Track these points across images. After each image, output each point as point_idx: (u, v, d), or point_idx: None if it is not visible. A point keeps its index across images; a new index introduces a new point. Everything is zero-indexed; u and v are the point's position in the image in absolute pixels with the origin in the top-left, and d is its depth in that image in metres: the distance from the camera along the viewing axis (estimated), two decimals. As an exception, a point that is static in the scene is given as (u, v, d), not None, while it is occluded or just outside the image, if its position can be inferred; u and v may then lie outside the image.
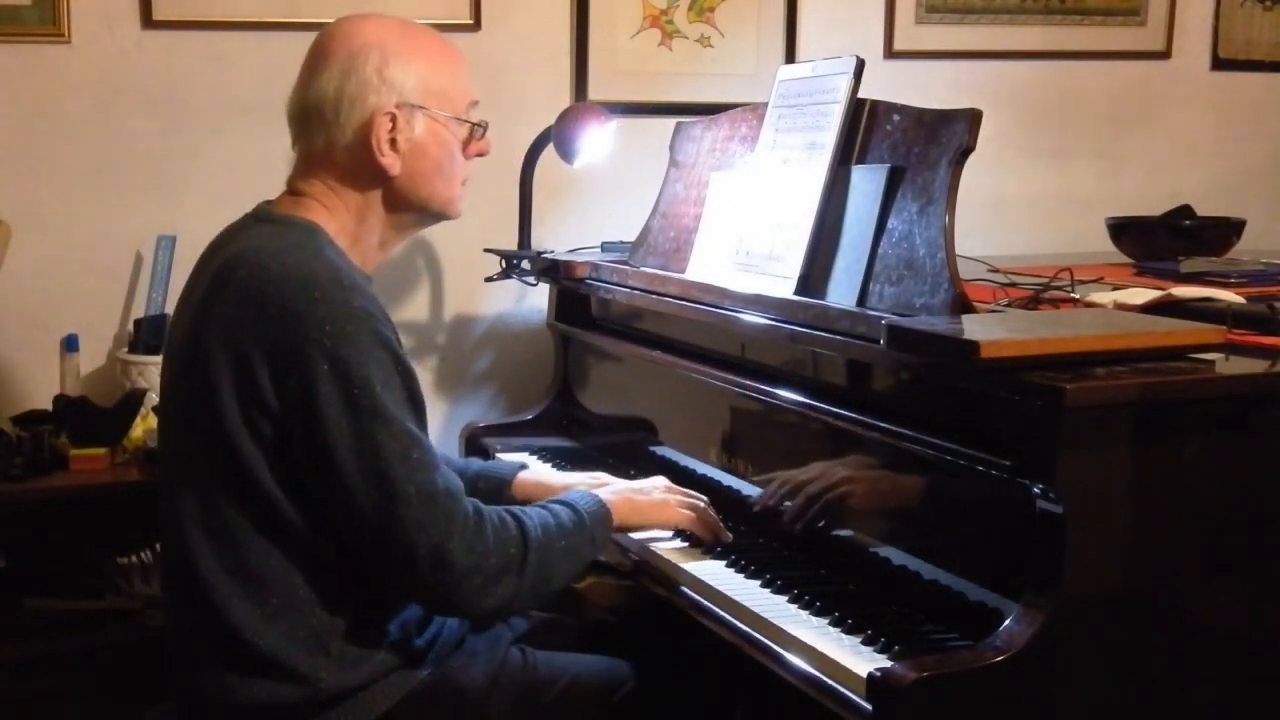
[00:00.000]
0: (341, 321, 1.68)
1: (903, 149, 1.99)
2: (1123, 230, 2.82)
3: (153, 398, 2.77)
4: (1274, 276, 2.37)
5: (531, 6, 3.18)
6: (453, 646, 1.90)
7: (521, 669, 1.91)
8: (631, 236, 2.67)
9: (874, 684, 1.52)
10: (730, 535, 2.05)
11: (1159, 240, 2.75)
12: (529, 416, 2.83)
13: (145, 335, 2.82)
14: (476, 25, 3.11)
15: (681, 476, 2.26)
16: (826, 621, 1.74)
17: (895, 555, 1.84)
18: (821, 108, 2.15)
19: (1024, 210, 3.57)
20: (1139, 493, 1.59)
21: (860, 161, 2.07)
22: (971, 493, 1.70)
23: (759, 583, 1.90)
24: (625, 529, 2.01)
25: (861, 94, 2.12)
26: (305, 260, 1.73)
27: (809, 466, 2.01)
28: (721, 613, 1.85)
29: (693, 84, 3.26)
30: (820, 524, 1.97)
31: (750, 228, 2.22)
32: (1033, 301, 2.10)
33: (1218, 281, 2.29)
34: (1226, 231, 2.81)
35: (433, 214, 1.93)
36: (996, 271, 2.41)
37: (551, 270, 2.75)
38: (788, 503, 2.04)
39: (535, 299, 3.11)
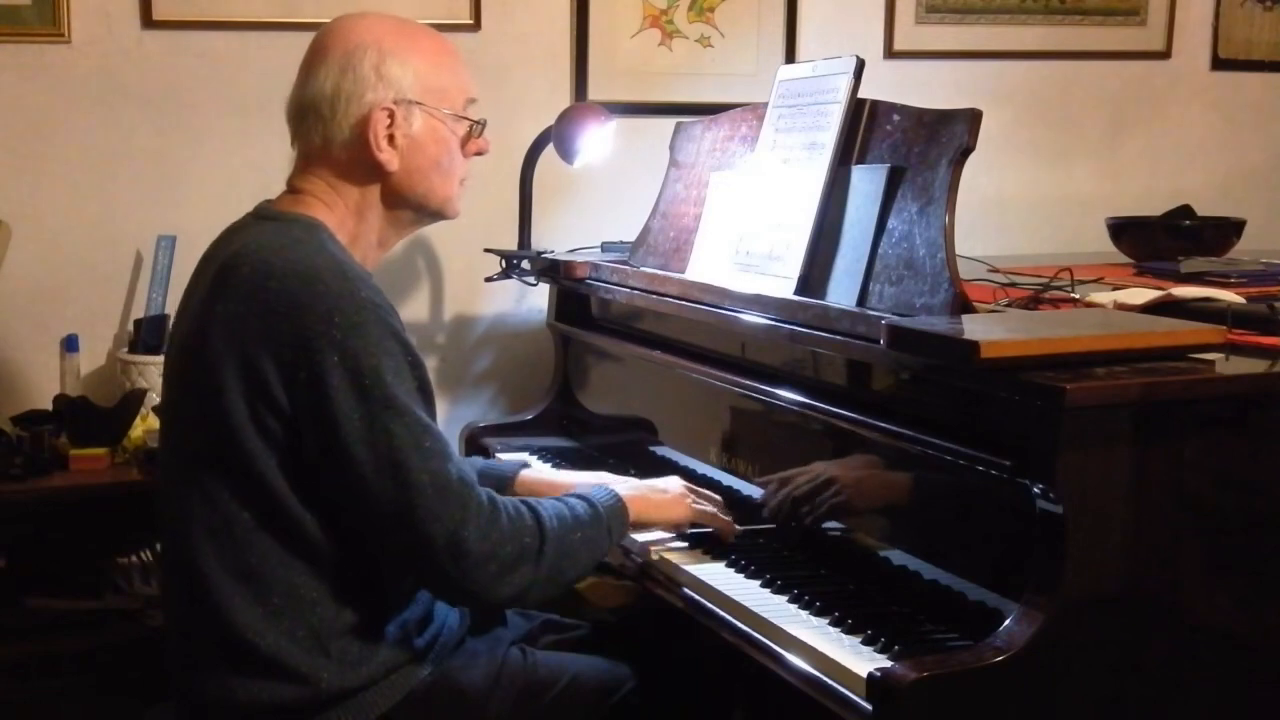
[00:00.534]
0: (349, 313, 1.68)
1: (903, 149, 1.99)
2: (1123, 230, 2.82)
3: (153, 398, 2.77)
4: (1274, 276, 2.37)
5: (531, 6, 3.18)
6: (453, 647, 1.90)
7: (522, 669, 1.91)
8: (631, 236, 2.67)
9: (874, 684, 1.52)
10: (737, 528, 2.05)
11: (1159, 240, 2.75)
12: (529, 416, 2.83)
13: (145, 335, 2.82)
14: (476, 25, 3.11)
15: (681, 477, 2.26)
16: (826, 621, 1.74)
17: (895, 555, 1.84)
18: (821, 108, 2.15)
19: (1024, 210, 3.57)
20: (1139, 493, 1.59)
21: (860, 161, 2.07)
22: (971, 493, 1.70)
23: (759, 583, 1.90)
24: (641, 524, 2.00)
25: (861, 94, 2.12)
26: (308, 255, 1.74)
27: (809, 466, 2.01)
28: (721, 613, 1.85)
29: (693, 84, 3.26)
30: (820, 524, 1.97)
31: (750, 228, 2.22)
32: (1033, 301, 2.10)
33: (1218, 281, 2.29)
34: (1226, 231, 2.81)
35: (430, 211, 1.93)
36: (996, 271, 2.41)
37: (551, 270, 2.75)
38: (788, 503, 2.04)
39: (535, 299, 3.11)
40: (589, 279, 2.66)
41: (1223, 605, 1.66)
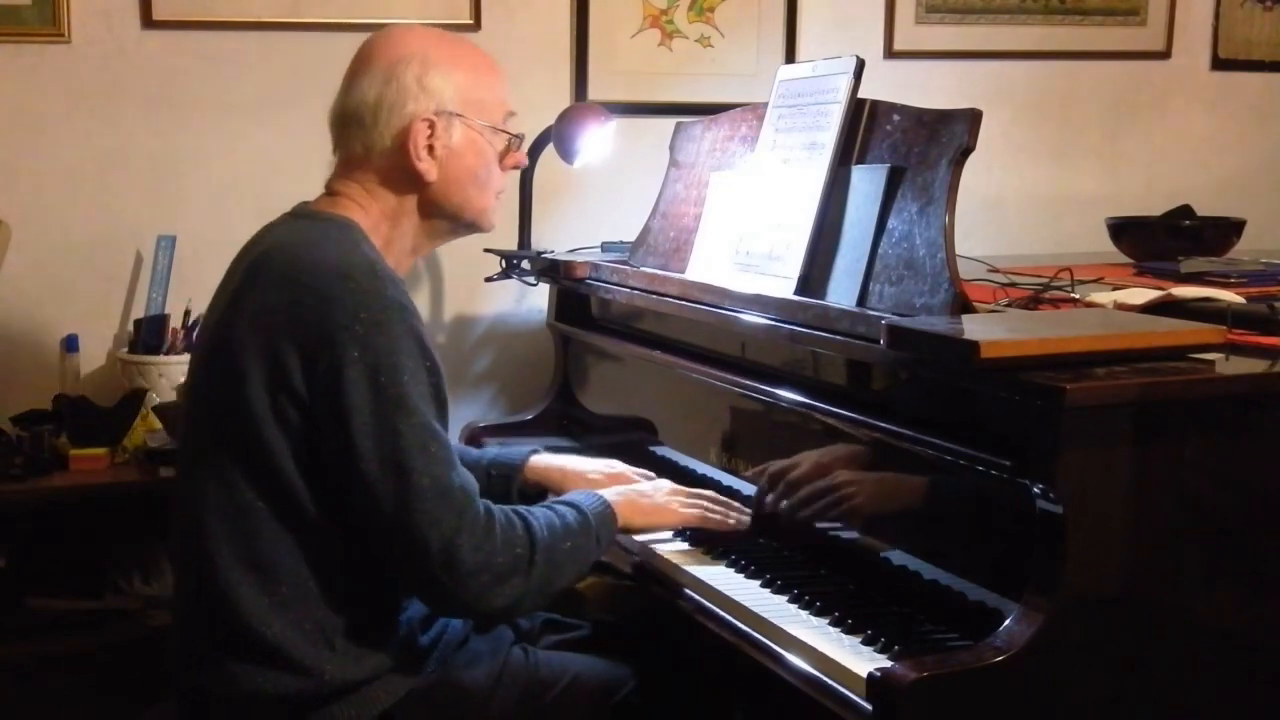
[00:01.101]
0: (375, 310, 1.70)
1: (903, 149, 1.99)
2: (1123, 230, 2.82)
3: (153, 398, 2.77)
4: (1274, 276, 2.37)
5: (531, 6, 3.18)
6: (456, 646, 1.91)
7: (523, 668, 1.92)
8: (631, 236, 2.67)
9: (874, 684, 1.52)
10: (749, 514, 2.06)
11: (1159, 240, 2.75)
12: (529, 416, 2.83)
13: (145, 335, 2.82)
14: (476, 25, 3.11)
15: (681, 476, 2.26)
16: (826, 621, 1.75)
17: (895, 555, 1.84)
18: (821, 108, 2.15)
19: (1024, 210, 3.57)
20: (1139, 493, 1.59)
21: (860, 161, 2.07)
22: (971, 493, 1.70)
23: (759, 583, 1.90)
24: (629, 530, 2.02)
25: (861, 94, 2.12)
26: (342, 252, 1.76)
27: (809, 467, 2.01)
28: (721, 613, 1.85)
29: (693, 84, 3.26)
30: (820, 524, 1.97)
31: (750, 228, 2.22)
32: (1033, 301, 2.10)
33: (1218, 281, 2.29)
34: (1226, 231, 2.81)
35: (465, 223, 1.95)
36: (996, 271, 2.41)
37: (551, 270, 2.75)
38: (787, 503, 2.04)
39: (535, 299, 3.11)
40: (589, 279, 2.66)
41: (1223, 605, 1.66)
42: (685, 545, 2.05)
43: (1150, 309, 1.97)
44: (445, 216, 1.92)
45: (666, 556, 2.02)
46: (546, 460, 2.23)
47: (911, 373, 1.82)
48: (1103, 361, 1.62)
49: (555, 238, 3.06)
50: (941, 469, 1.72)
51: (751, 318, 2.10)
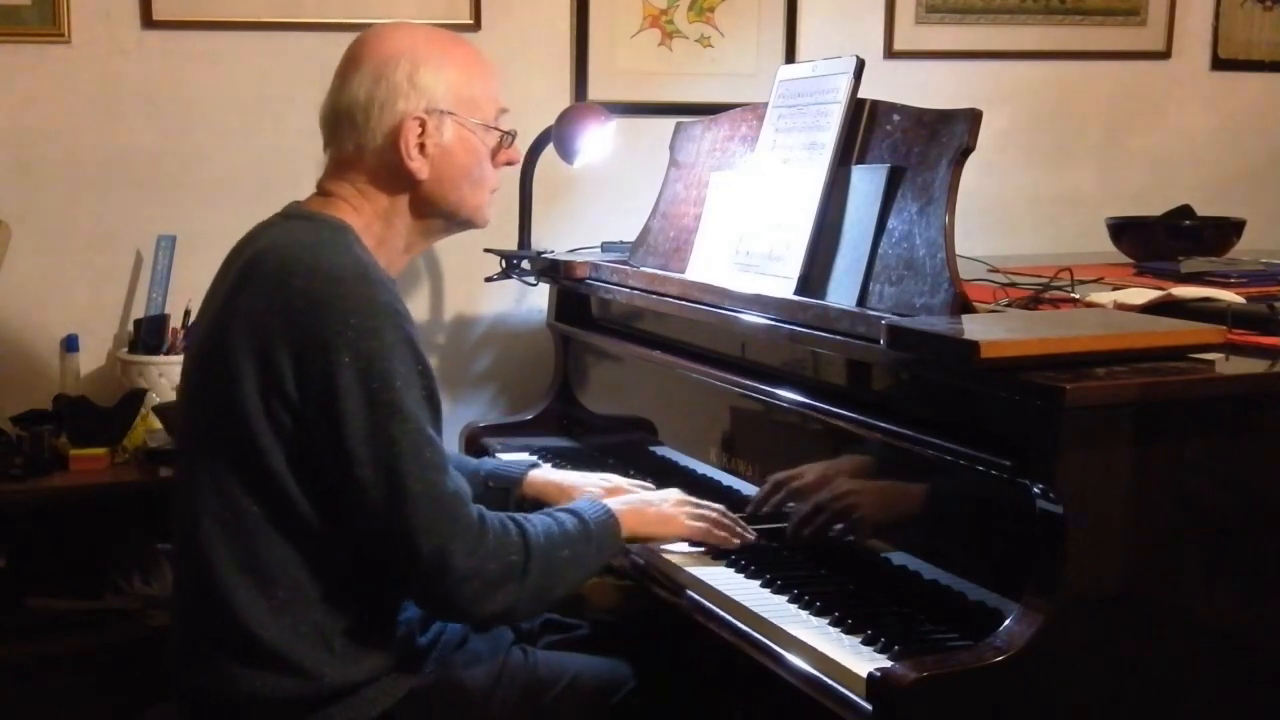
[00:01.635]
0: (367, 316, 1.69)
1: (903, 149, 1.99)
2: (1123, 230, 2.82)
3: (153, 398, 2.77)
4: (1274, 276, 2.37)
5: (531, 6, 3.18)
6: (455, 646, 1.91)
7: (523, 668, 1.92)
8: (631, 236, 2.67)
9: (874, 684, 1.52)
10: (754, 534, 2.03)
11: (1159, 240, 2.75)
12: (529, 416, 2.83)
13: (145, 335, 2.82)
14: (476, 25, 3.11)
15: (681, 477, 2.26)
16: (826, 621, 1.75)
17: (895, 555, 1.84)
18: (821, 108, 2.15)
19: (1024, 210, 3.57)
20: (1139, 493, 1.59)
21: (860, 161, 2.07)
22: (972, 493, 1.70)
23: (759, 583, 1.90)
24: (634, 540, 2.00)
25: (861, 94, 2.12)
26: (334, 255, 1.75)
27: (809, 467, 2.01)
28: (721, 613, 1.85)
29: (693, 84, 3.26)
30: (820, 524, 1.97)
31: (750, 228, 2.22)
32: (1033, 301, 2.10)
33: (1218, 281, 2.29)
34: (1226, 231, 2.81)
35: (460, 220, 1.94)
36: (996, 271, 2.41)
37: (551, 270, 2.75)
38: (787, 503, 2.04)
39: (535, 299, 3.11)
40: (589, 279, 2.66)
41: (1223, 605, 1.66)
42: (685, 546, 2.05)
43: (1150, 309, 1.97)
44: (439, 215, 1.91)
45: (667, 556, 2.02)
46: (545, 475, 2.23)
47: (911, 373, 1.82)
48: (1103, 361, 1.62)
49: (555, 238, 3.06)
50: (941, 469, 1.72)
51: (751, 318, 2.10)
